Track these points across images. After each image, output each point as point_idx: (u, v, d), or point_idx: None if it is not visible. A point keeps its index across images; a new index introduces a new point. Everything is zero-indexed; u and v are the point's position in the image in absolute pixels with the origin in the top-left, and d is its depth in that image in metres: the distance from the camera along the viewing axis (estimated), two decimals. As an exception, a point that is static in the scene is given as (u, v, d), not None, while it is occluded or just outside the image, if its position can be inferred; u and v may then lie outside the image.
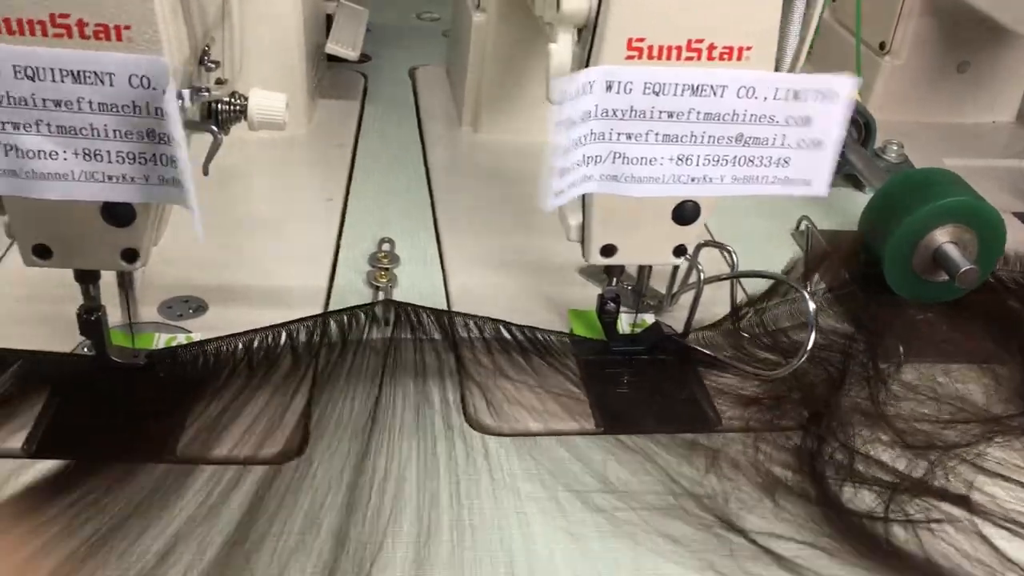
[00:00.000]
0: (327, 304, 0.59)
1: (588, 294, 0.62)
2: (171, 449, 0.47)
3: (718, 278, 0.57)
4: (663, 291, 0.60)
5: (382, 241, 0.66)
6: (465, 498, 0.46)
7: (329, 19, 0.86)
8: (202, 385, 0.50)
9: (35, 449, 0.46)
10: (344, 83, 0.90)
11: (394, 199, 0.72)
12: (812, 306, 0.52)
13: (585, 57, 0.46)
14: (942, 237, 0.61)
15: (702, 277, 0.56)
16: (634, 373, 0.56)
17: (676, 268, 0.59)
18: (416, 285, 0.62)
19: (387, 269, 0.62)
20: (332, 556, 0.42)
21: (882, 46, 0.92)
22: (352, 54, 0.79)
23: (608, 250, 0.51)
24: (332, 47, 0.78)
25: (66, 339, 0.53)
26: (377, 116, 0.85)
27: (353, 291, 0.61)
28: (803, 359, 0.52)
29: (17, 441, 0.46)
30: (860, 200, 0.76)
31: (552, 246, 0.66)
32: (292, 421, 0.49)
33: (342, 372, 0.52)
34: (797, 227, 0.73)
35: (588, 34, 0.46)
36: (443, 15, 1.10)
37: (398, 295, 0.60)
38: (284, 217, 0.68)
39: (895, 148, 0.79)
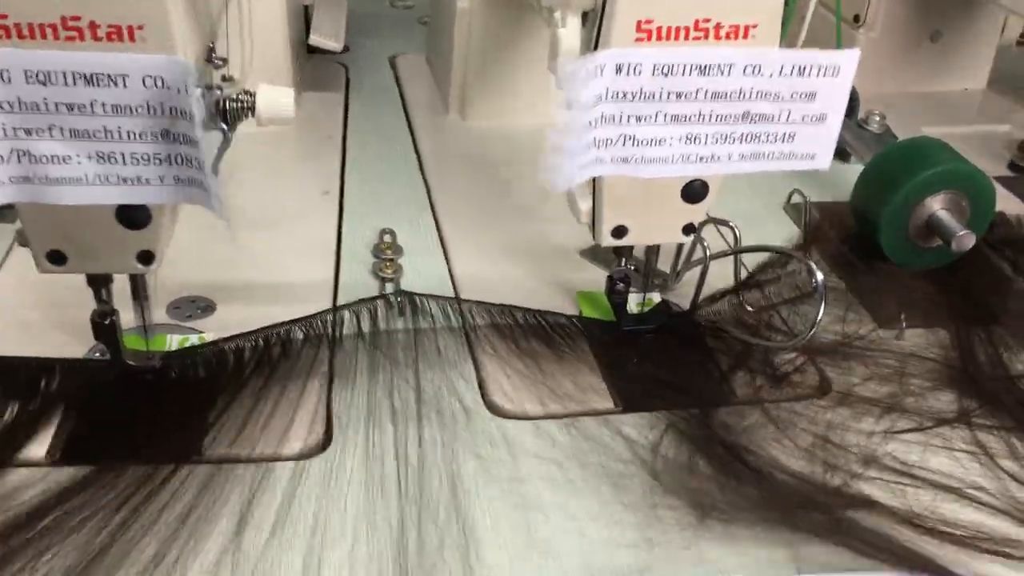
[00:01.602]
0: (335, 297, 0.59)
1: (592, 276, 0.63)
2: (197, 450, 0.47)
3: (723, 254, 0.58)
4: (666, 270, 0.61)
5: (383, 232, 0.66)
6: (493, 482, 0.47)
7: (306, 11, 0.86)
8: (221, 385, 0.50)
9: (59, 457, 0.46)
10: (326, 75, 0.89)
11: (389, 189, 0.72)
12: (820, 276, 0.53)
13: (593, 41, 0.46)
14: (936, 204, 0.62)
15: (708, 254, 0.57)
16: (646, 352, 0.56)
17: (680, 246, 0.59)
18: (422, 274, 0.62)
19: (391, 260, 0.62)
20: (368, 547, 0.43)
21: (856, 19, 0.93)
22: (336, 45, 0.79)
23: (619, 231, 0.52)
24: (316, 39, 0.77)
25: (77, 345, 0.53)
26: (362, 106, 0.85)
27: (360, 283, 0.61)
28: (815, 330, 0.53)
29: (40, 450, 0.46)
30: (846, 171, 0.77)
31: (551, 230, 0.67)
32: (314, 416, 0.50)
33: (360, 364, 0.53)
34: (788, 200, 0.74)
35: (595, 17, 0.47)
36: (417, 2, 1.10)
37: (405, 285, 0.60)
38: (281, 212, 0.67)
39: (877, 119, 0.80)
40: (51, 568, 0.40)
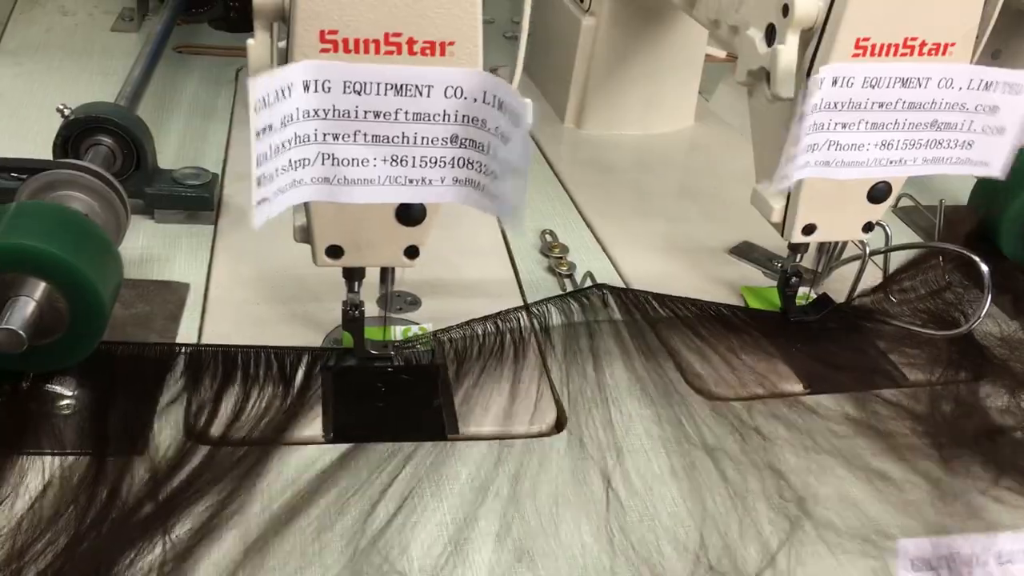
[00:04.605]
0: (522, 292, 0.63)
1: (743, 271, 0.68)
2: (453, 428, 0.51)
3: (879, 251, 0.64)
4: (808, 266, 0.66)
5: (543, 232, 0.70)
6: (726, 457, 0.51)
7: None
8: (455, 370, 0.54)
9: (332, 436, 0.50)
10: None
11: (530, 192, 0.76)
12: (985, 268, 0.59)
13: (810, 56, 0.52)
14: (1052, 206, 0.69)
15: (867, 251, 0.62)
16: (815, 341, 0.61)
17: (834, 245, 0.65)
18: (592, 271, 0.66)
19: (561, 257, 0.67)
20: (603, 520, 0.47)
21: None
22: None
23: (809, 229, 0.57)
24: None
25: (308, 335, 0.56)
26: (478, 116, 0.89)
27: (539, 279, 0.65)
28: (980, 319, 0.58)
29: (316, 429, 0.50)
30: (937, 177, 0.84)
31: (693, 231, 0.73)
32: (540, 398, 0.54)
33: (575, 352, 0.57)
34: (896, 204, 0.80)
35: (807, 36, 0.52)
36: (496, 18, 1.14)
37: (580, 282, 0.65)
38: (445, 213, 0.71)
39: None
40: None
